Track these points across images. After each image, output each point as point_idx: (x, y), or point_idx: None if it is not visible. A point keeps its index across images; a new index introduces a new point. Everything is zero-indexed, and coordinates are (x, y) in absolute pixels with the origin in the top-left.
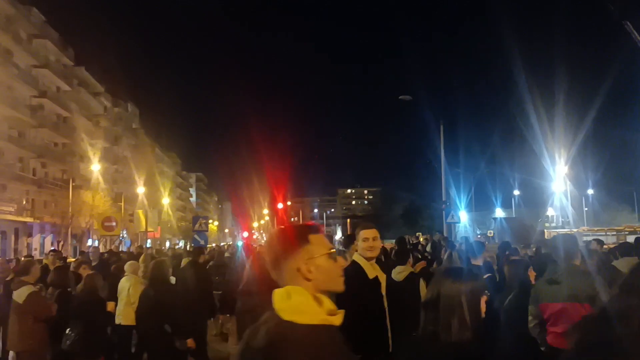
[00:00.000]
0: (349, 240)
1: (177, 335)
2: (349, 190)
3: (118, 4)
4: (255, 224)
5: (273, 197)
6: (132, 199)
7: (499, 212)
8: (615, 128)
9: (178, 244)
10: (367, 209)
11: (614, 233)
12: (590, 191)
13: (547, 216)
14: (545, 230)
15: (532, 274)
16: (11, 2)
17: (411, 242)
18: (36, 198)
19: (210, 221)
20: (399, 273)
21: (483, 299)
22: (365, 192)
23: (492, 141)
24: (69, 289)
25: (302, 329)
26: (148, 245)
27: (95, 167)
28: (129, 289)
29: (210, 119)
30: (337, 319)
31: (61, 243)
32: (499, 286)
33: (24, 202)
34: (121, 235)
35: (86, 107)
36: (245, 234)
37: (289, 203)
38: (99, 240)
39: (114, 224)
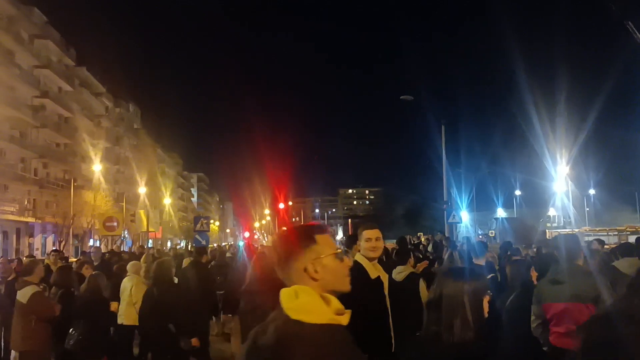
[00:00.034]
0: (351, 240)
1: (181, 335)
2: (350, 191)
3: (119, 5)
4: (256, 224)
5: (274, 197)
6: (134, 199)
7: (501, 212)
8: (617, 128)
9: (179, 244)
10: (368, 209)
11: (616, 233)
12: (591, 191)
13: (549, 216)
14: (547, 231)
15: (533, 274)
16: (13, 3)
17: (413, 242)
18: (38, 198)
19: (212, 221)
20: (399, 273)
21: (486, 299)
22: (367, 192)
23: (494, 141)
24: (72, 289)
25: (311, 328)
26: (149, 245)
27: (97, 168)
28: (131, 289)
29: (211, 119)
30: (345, 319)
31: (63, 243)
32: (501, 286)
33: (26, 202)
34: (123, 235)
35: (88, 107)
36: (247, 234)
37: (290, 203)
38: (100, 240)
39: (115, 224)
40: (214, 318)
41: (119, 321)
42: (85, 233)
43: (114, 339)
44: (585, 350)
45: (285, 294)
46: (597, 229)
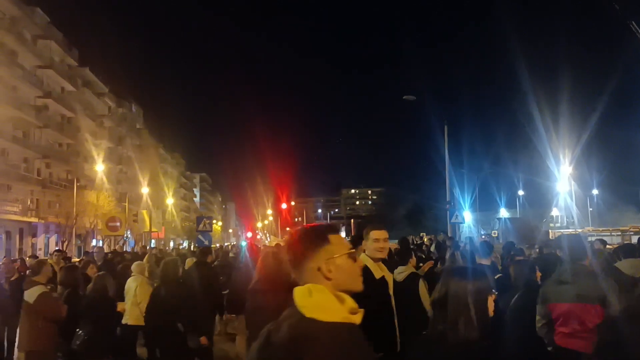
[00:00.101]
0: (356, 240)
1: (189, 334)
2: (352, 191)
3: (122, 5)
4: (259, 224)
5: (277, 197)
6: (136, 199)
7: (504, 213)
8: (620, 128)
9: (182, 244)
10: (371, 209)
11: (619, 233)
12: (594, 191)
13: (552, 216)
14: (550, 231)
15: (538, 275)
16: (15, 3)
17: (415, 242)
18: (41, 198)
19: (214, 221)
20: (400, 273)
21: (491, 299)
22: (369, 192)
23: (496, 141)
24: (78, 289)
25: (325, 326)
26: (152, 245)
27: (100, 168)
28: (135, 289)
29: (214, 119)
30: (358, 318)
31: (65, 243)
32: (504, 286)
33: (29, 203)
34: (125, 235)
35: (90, 107)
36: (249, 234)
37: (292, 203)
38: (103, 240)
39: (118, 224)
40: (217, 317)
41: (123, 321)
42: (88, 233)
43: (119, 339)
44: (598, 350)
45: (299, 292)
46: (600, 229)
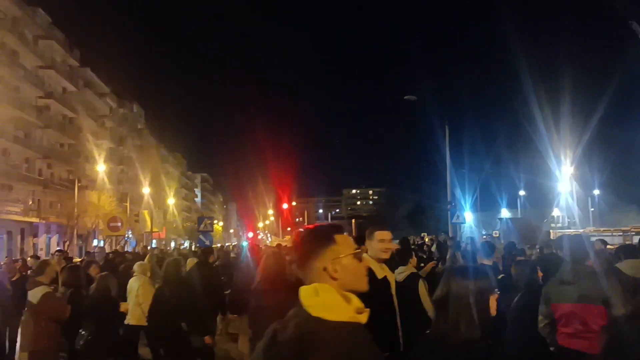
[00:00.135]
0: (359, 241)
1: (192, 333)
2: (353, 191)
3: (123, 5)
4: (260, 224)
5: (278, 197)
6: (138, 199)
7: (505, 213)
8: (622, 128)
9: (183, 245)
10: (372, 209)
11: (620, 234)
12: (596, 192)
13: (553, 217)
14: (551, 231)
15: (539, 275)
16: (17, 3)
17: (416, 242)
18: (42, 198)
19: (215, 222)
20: (400, 273)
21: (493, 298)
22: (370, 192)
23: (498, 141)
24: (80, 289)
25: (331, 325)
26: (153, 245)
27: (101, 168)
28: (138, 289)
29: (215, 119)
30: (364, 317)
31: (67, 243)
32: (506, 287)
33: (30, 203)
34: (126, 235)
35: (92, 107)
36: (250, 234)
37: (293, 203)
38: (104, 240)
39: (119, 224)
40: (219, 317)
41: (125, 321)
42: (90, 233)
43: (121, 339)
44: (603, 352)
45: (305, 292)
46: (602, 229)
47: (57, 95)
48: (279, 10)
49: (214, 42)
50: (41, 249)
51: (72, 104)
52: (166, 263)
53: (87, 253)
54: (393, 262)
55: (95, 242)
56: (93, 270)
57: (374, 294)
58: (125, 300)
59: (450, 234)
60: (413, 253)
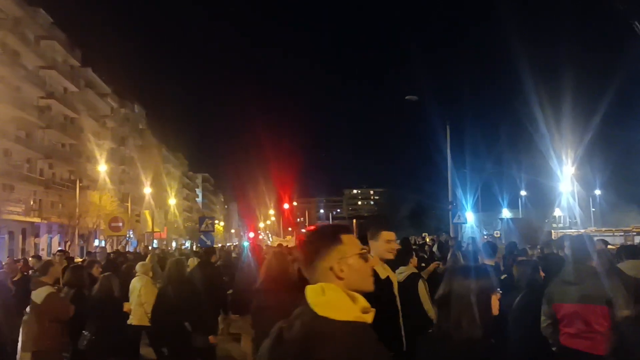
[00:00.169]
0: (362, 241)
1: (196, 333)
2: (355, 191)
3: (125, 6)
4: (261, 225)
5: (279, 197)
6: (139, 199)
7: (506, 213)
8: (623, 128)
9: (184, 245)
10: (373, 209)
11: (622, 234)
12: (597, 192)
13: (554, 217)
14: (553, 231)
15: (542, 275)
16: (19, 4)
17: (418, 242)
18: (43, 198)
19: (217, 222)
20: (401, 273)
21: (495, 297)
22: (372, 192)
23: (499, 141)
24: (83, 289)
25: (338, 324)
26: (154, 245)
27: (102, 168)
28: (140, 290)
29: (216, 119)
30: (370, 317)
31: (68, 243)
32: (508, 287)
33: (32, 203)
34: (128, 235)
35: (93, 108)
36: (252, 235)
37: (295, 203)
38: (105, 240)
39: (120, 224)
40: (220, 317)
41: (128, 321)
42: (91, 233)
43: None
44: (612, 353)
45: (311, 291)
46: (603, 229)
47: (59, 96)
48: (279, 10)
49: (214, 42)
50: (42, 249)
51: (73, 104)
52: (170, 263)
53: (89, 253)
54: (393, 262)
55: (96, 242)
56: (95, 271)
57: (378, 293)
58: (127, 300)
59: (452, 234)
60: (414, 253)
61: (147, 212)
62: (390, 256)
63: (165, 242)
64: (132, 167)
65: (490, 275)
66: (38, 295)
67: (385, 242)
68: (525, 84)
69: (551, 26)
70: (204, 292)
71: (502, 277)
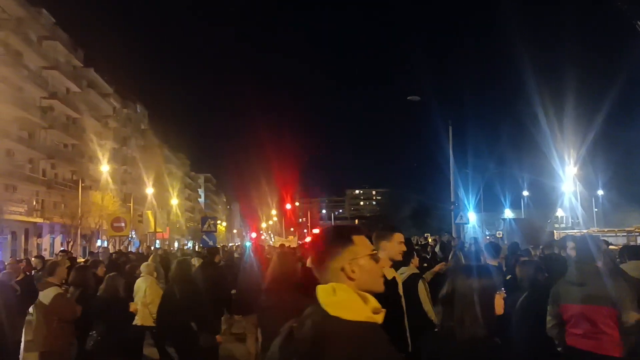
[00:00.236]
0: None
1: (201, 332)
2: (357, 191)
3: (127, 6)
4: (263, 225)
5: (281, 197)
6: (141, 199)
7: (508, 213)
8: (625, 128)
9: (186, 245)
10: (375, 209)
11: (625, 234)
12: (600, 192)
13: (557, 217)
14: (555, 232)
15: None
16: (21, 4)
17: (420, 242)
18: (46, 199)
19: (219, 222)
20: (401, 274)
21: (500, 297)
22: (374, 192)
23: (501, 142)
24: (89, 290)
25: (349, 324)
26: (157, 245)
27: (105, 168)
28: (145, 290)
29: (218, 119)
30: (381, 317)
31: (70, 243)
32: (512, 287)
33: (34, 203)
34: (130, 235)
35: (95, 108)
36: (254, 235)
37: (297, 204)
38: (108, 240)
39: (122, 224)
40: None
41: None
42: (93, 233)
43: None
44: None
45: (322, 290)
46: (606, 229)
47: (61, 96)
48: (282, 10)
49: (217, 43)
50: (45, 249)
51: (75, 104)
52: (176, 263)
53: (91, 253)
54: (394, 263)
55: (98, 243)
56: (100, 271)
57: (384, 294)
58: (132, 300)
59: (454, 235)
60: (415, 253)
61: (149, 213)
62: (400, 257)
63: (167, 243)
64: (135, 167)
65: (493, 274)
66: (46, 295)
67: (398, 244)
68: (528, 84)
69: (553, 26)
70: (208, 292)
71: (508, 277)
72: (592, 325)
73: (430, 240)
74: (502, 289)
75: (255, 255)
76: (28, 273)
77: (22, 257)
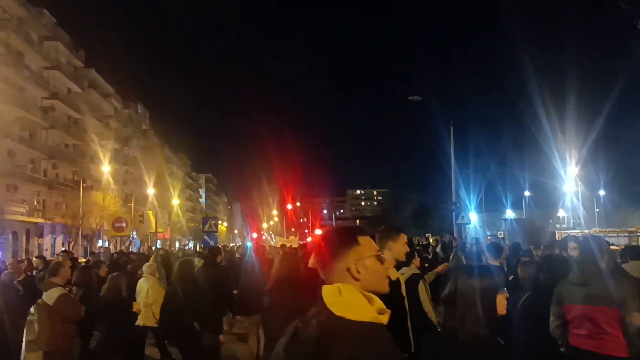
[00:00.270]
0: None
1: (204, 332)
2: (358, 191)
3: (128, 6)
4: (264, 225)
5: (282, 198)
6: (142, 199)
7: (510, 213)
8: (627, 128)
9: (188, 245)
10: (376, 209)
11: (626, 234)
12: (601, 192)
13: (558, 217)
14: (557, 232)
15: None
16: (23, 4)
17: (421, 243)
18: (47, 199)
19: (220, 222)
20: (402, 274)
21: (502, 297)
22: (375, 192)
23: (502, 142)
24: (92, 290)
25: (354, 325)
26: (158, 246)
27: (106, 168)
28: (147, 290)
29: (219, 120)
30: (386, 318)
31: (72, 244)
32: (514, 287)
33: (35, 203)
34: (131, 236)
35: (97, 108)
36: (255, 235)
37: (298, 204)
38: (109, 240)
39: (124, 224)
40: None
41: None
42: (94, 234)
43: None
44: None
45: (328, 291)
46: (607, 230)
47: (62, 96)
48: (282, 11)
49: (217, 43)
50: (46, 250)
51: (77, 104)
52: (179, 263)
53: (92, 253)
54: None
55: (100, 243)
56: (102, 271)
57: (388, 294)
58: (134, 300)
59: (455, 235)
60: (416, 254)
61: (150, 213)
62: (405, 258)
63: (168, 243)
64: (136, 167)
65: (495, 274)
66: (50, 296)
67: (404, 244)
68: (529, 85)
69: (555, 27)
70: (211, 292)
71: (510, 277)
72: (595, 326)
73: (431, 240)
74: (505, 289)
75: (257, 256)
76: (29, 273)
77: (24, 257)
